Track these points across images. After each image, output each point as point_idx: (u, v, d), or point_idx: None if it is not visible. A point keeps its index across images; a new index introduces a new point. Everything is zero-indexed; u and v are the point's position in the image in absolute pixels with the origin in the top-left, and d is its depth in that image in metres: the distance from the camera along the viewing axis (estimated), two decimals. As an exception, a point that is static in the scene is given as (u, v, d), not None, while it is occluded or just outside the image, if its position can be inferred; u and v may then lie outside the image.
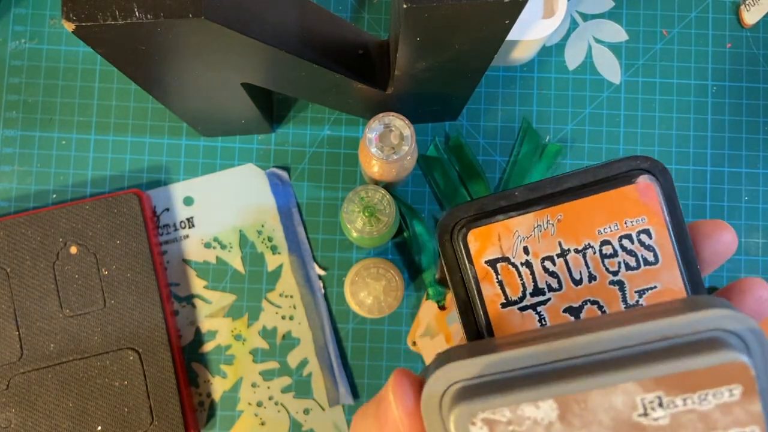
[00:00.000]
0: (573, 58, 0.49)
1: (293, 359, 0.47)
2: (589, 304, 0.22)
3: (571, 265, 0.22)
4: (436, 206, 0.48)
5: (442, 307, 0.46)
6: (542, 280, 0.22)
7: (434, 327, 0.46)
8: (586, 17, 0.50)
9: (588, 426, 0.16)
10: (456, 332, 0.45)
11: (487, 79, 0.49)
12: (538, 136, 0.48)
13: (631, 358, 0.16)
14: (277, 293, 0.47)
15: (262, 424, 0.46)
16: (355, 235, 0.41)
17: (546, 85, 0.49)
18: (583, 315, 0.22)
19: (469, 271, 0.22)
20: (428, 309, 0.46)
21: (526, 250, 0.22)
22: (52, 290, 0.44)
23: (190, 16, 0.27)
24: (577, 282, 0.22)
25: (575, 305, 0.22)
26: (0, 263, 0.44)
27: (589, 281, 0.22)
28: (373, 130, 0.37)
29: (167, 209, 0.48)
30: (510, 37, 0.42)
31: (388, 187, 0.43)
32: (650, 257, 0.21)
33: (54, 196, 0.48)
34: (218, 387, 0.46)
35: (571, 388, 0.16)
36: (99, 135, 0.48)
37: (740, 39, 0.50)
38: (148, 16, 0.27)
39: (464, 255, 0.22)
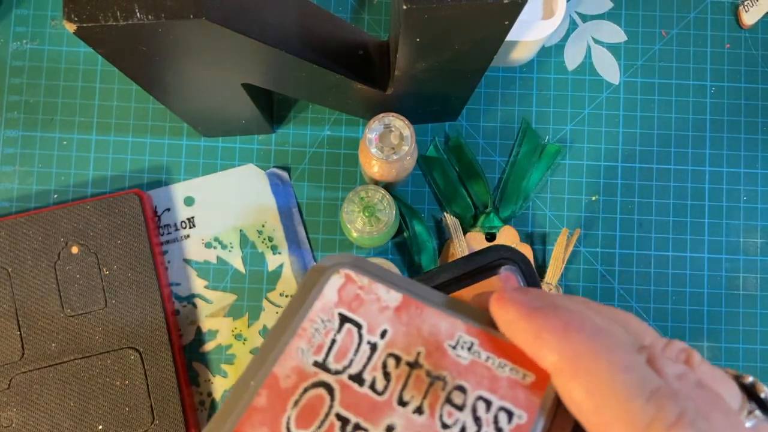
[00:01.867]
0: (572, 58, 0.50)
1: (293, 359, 0.47)
2: None
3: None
4: (436, 206, 0.48)
5: (441, 307, 0.46)
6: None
7: (434, 326, 0.46)
8: (585, 18, 0.50)
9: (408, 326, 0.19)
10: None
11: (487, 79, 0.49)
12: (538, 136, 0.48)
13: (475, 310, 0.20)
14: (278, 293, 0.47)
15: (263, 423, 0.46)
16: (355, 235, 0.42)
17: (545, 86, 0.49)
18: None
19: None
20: (428, 309, 0.46)
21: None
22: (53, 290, 0.44)
23: (191, 16, 0.27)
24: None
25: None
26: (1, 263, 0.44)
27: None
28: (373, 130, 0.38)
29: (168, 209, 0.48)
30: (509, 37, 0.42)
31: (388, 187, 0.44)
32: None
33: (55, 196, 0.48)
34: (219, 386, 0.47)
35: (418, 296, 0.20)
36: (100, 135, 0.49)
37: (739, 40, 0.50)
38: (149, 17, 0.27)
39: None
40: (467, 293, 0.23)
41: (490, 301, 0.19)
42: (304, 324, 0.20)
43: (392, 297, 0.20)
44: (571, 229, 0.47)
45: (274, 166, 0.48)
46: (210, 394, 0.47)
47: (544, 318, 0.18)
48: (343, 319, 0.20)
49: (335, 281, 0.20)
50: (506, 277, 0.24)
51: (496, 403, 0.18)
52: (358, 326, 0.20)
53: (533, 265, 0.24)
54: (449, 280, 0.24)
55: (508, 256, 0.24)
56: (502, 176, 0.48)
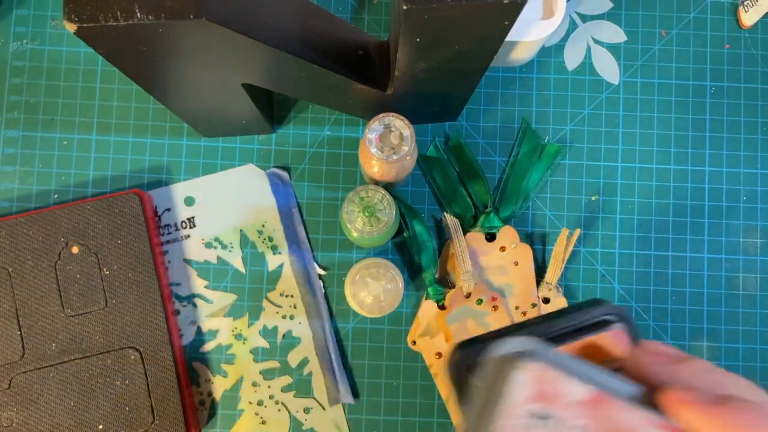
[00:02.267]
0: (572, 58, 0.50)
1: (294, 358, 0.47)
2: None
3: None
4: (436, 206, 0.48)
5: (441, 307, 0.46)
6: None
7: (434, 326, 0.46)
8: (585, 18, 0.50)
9: (602, 422, 0.19)
10: (455, 331, 0.46)
11: (487, 79, 0.49)
12: (538, 136, 0.48)
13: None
14: (278, 293, 0.47)
15: (263, 423, 0.46)
16: (355, 235, 0.42)
17: (545, 86, 0.49)
18: None
19: None
20: (428, 308, 0.46)
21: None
22: (53, 290, 0.44)
23: (191, 17, 0.27)
24: None
25: None
26: (2, 263, 0.44)
27: None
28: (373, 130, 0.38)
29: (168, 209, 0.48)
30: (509, 37, 0.42)
31: (388, 187, 0.44)
32: None
33: (55, 196, 0.48)
34: (219, 386, 0.47)
35: (604, 386, 0.19)
36: (100, 135, 0.49)
37: (738, 40, 0.50)
38: (150, 17, 0.27)
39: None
40: (577, 347, 0.24)
41: (670, 405, 0.20)
42: None
43: (580, 391, 0.19)
44: (570, 229, 0.47)
45: (274, 166, 0.48)
46: (210, 394, 0.47)
47: (728, 414, 0.19)
48: (536, 417, 0.19)
49: (522, 379, 0.19)
50: (617, 334, 0.24)
51: None
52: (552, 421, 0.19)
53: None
54: (562, 335, 0.24)
55: (613, 311, 0.25)
56: (501, 176, 0.48)
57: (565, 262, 0.46)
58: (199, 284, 0.47)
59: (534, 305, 0.47)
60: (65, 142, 0.48)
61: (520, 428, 0.19)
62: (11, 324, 0.44)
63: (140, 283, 0.45)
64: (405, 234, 0.47)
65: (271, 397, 0.47)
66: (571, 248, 0.46)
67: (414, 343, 0.47)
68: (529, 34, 0.43)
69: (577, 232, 0.47)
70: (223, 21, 0.28)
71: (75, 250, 0.45)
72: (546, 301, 0.47)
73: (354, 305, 0.43)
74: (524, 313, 0.46)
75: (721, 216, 0.48)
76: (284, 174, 0.48)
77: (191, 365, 0.47)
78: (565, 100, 0.49)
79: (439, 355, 0.46)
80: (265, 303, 0.47)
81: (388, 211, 0.41)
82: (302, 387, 0.47)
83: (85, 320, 0.44)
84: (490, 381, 0.20)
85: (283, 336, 0.47)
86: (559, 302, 0.46)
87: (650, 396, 0.20)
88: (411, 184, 0.48)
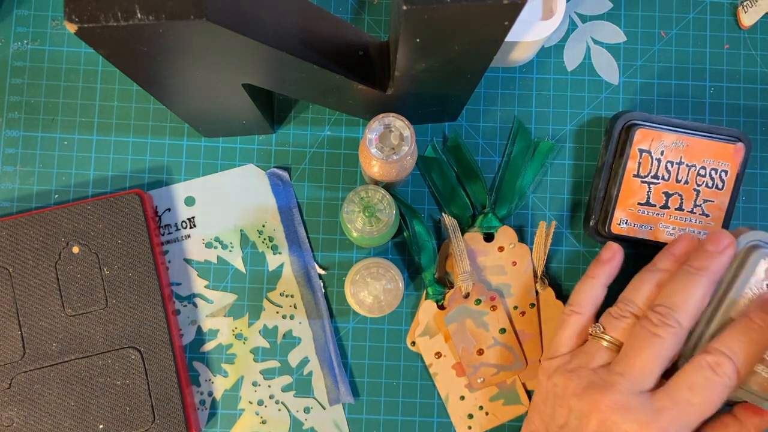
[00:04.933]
0: (572, 59, 0.50)
1: (294, 358, 0.47)
2: (677, 194, 0.44)
3: (680, 170, 0.44)
4: (435, 206, 0.48)
5: (441, 307, 0.46)
6: (662, 170, 0.44)
7: (433, 326, 0.46)
8: (584, 18, 0.50)
9: None
10: (454, 332, 0.46)
11: (487, 80, 0.49)
12: (530, 134, 0.49)
13: None
14: (278, 292, 0.47)
15: (263, 422, 0.46)
16: (355, 234, 0.42)
17: (545, 86, 0.49)
18: (670, 200, 0.44)
19: (626, 151, 0.44)
20: (427, 308, 0.46)
21: (662, 152, 0.44)
22: (54, 290, 0.44)
23: (192, 17, 0.27)
24: (678, 181, 0.44)
25: (669, 192, 0.44)
26: (2, 263, 0.44)
27: (684, 183, 0.44)
28: (373, 130, 0.38)
29: (169, 209, 0.48)
30: (509, 38, 0.42)
31: (388, 187, 0.44)
32: (720, 185, 0.44)
33: (56, 196, 0.48)
34: (219, 386, 0.47)
35: None
36: (101, 135, 0.49)
37: (738, 40, 0.50)
38: (150, 17, 0.27)
39: (628, 141, 0.44)
40: (710, 143, 0.44)
41: None
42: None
43: None
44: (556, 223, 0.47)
45: (274, 166, 0.48)
46: (210, 394, 0.47)
47: None
48: None
49: (763, 261, 0.34)
50: (738, 148, 0.44)
51: None
52: None
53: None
54: (702, 129, 0.44)
55: (740, 137, 0.44)
56: (496, 176, 0.48)
57: (546, 254, 0.46)
58: (199, 284, 0.47)
59: (532, 305, 0.47)
60: (66, 143, 0.49)
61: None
62: (12, 324, 0.44)
63: (140, 282, 0.45)
64: (405, 234, 0.47)
65: (271, 396, 0.47)
66: (549, 240, 0.46)
67: (413, 344, 0.47)
68: (528, 34, 0.43)
69: (553, 224, 0.47)
70: (223, 21, 0.28)
71: (75, 250, 0.45)
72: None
73: (354, 305, 0.43)
74: (523, 313, 0.46)
75: (720, 216, 0.48)
76: (284, 174, 0.48)
77: (191, 365, 0.47)
78: (565, 101, 0.49)
79: (439, 354, 0.46)
80: (265, 303, 0.47)
81: (388, 211, 0.41)
82: (302, 387, 0.47)
83: (85, 320, 0.44)
84: (739, 261, 0.34)
85: (283, 336, 0.47)
86: (546, 294, 0.47)
87: None
88: (411, 184, 0.49)
